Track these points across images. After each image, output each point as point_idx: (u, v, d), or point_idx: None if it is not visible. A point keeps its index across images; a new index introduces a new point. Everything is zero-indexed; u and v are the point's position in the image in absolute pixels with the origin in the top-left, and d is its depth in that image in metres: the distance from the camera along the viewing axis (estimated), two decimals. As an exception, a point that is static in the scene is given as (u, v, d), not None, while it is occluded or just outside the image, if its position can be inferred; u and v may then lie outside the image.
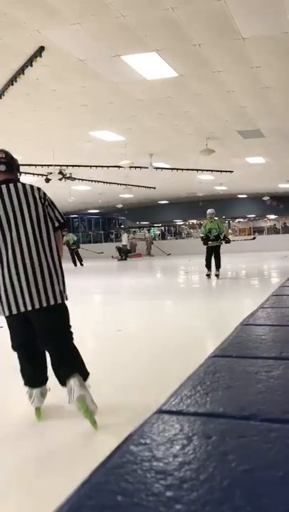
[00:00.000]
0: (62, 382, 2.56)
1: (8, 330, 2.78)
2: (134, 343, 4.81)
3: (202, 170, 16.04)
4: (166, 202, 29.10)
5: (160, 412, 0.83)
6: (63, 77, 6.92)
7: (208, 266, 10.61)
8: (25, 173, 14.88)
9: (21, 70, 6.36)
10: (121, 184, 18.08)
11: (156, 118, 9.52)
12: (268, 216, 33.14)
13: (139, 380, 3.49)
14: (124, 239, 23.08)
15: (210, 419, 0.80)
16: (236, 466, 0.64)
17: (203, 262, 10.77)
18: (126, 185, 18.10)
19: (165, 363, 3.89)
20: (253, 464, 0.64)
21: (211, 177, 18.25)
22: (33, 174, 14.99)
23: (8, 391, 3.47)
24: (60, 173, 14.03)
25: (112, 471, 0.63)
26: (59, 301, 2.58)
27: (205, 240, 10.65)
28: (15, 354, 2.86)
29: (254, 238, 16.78)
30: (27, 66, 6.23)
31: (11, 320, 2.65)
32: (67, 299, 2.67)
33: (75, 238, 18.90)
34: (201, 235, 10.90)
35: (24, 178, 16.02)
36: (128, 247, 23.46)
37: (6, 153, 2.92)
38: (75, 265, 18.08)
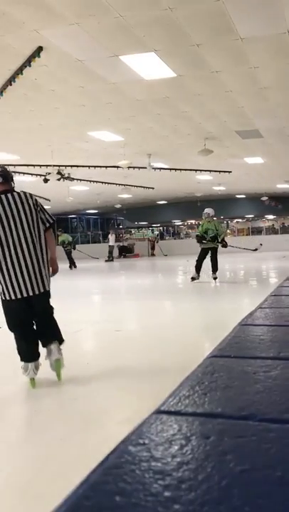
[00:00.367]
0: (45, 344, 3.42)
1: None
2: (133, 344, 4.81)
3: (200, 170, 16.04)
4: (165, 202, 29.10)
5: (158, 412, 0.83)
6: (62, 78, 6.91)
7: (198, 268, 9.67)
8: (24, 173, 14.87)
9: (20, 70, 6.35)
10: (119, 184, 18.07)
11: (155, 118, 9.52)
12: (266, 216, 33.17)
13: (138, 380, 3.49)
14: (112, 240, 22.49)
15: (208, 420, 0.80)
16: (234, 466, 0.64)
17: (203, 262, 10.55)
18: (124, 185, 18.10)
19: (163, 364, 3.89)
20: (251, 464, 0.64)
21: (210, 177, 18.25)
22: (32, 174, 14.98)
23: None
24: (59, 173, 14.02)
25: (110, 471, 0.63)
26: (47, 288, 3.40)
27: (200, 238, 9.87)
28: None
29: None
30: (25, 66, 6.22)
31: (12, 304, 3.29)
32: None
33: (70, 239, 18.21)
34: (197, 233, 10.18)
35: (23, 179, 16.07)
36: (113, 249, 22.77)
37: (2, 166, 3.49)
38: (70, 268, 17.40)
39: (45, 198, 21.76)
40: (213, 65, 6.59)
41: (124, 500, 0.56)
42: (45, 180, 14.19)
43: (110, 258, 22.17)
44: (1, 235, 3.20)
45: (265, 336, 1.46)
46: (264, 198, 26.16)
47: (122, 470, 0.63)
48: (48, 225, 3.41)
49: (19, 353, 3.41)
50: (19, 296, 3.25)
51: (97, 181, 17.83)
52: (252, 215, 33.00)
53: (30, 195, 3.39)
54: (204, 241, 9.76)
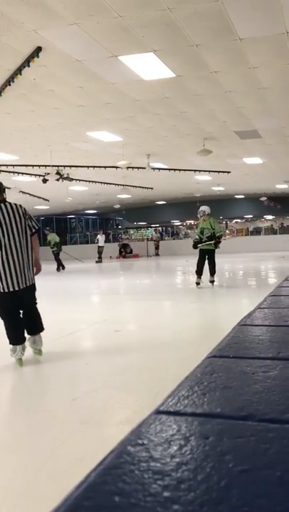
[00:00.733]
0: (31, 334, 4.15)
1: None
2: (133, 344, 4.81)
3: (199, 170, 16.05)
4: (164, 202, 29.11)
5: (157, 412, 0.83)
6: (60, 78, 6.91)
7: (199, 272, 9.13)
8: (23, 173, 14.86)
9: (18, 71, 6.35)
10: (118, 185, 18.08)
11: (154, 118, 9.53)
12: (265, 217, 33.21)
13: (137, 380, 3.49)
14: (101, 240, 22.21)
15: (207, 420, 0.80)
16: (234, 467, 0.64)
17: None
18: (123, 185, 18.10)
19: (162, 364, 3.89)
20: (250, 464, 0.64)
21: (209, 177, 18.27)
22: (31, 175, 14.97)
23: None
24: (58, 173, 14.02)
25: (109, 472, 0.63)
26: (33, 281, 4.17)
27: (196, 243, 9.33)
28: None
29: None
30: (24, 66, 6.22)
31: (3, 296, 3.93)
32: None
33: (57, 239, 17.17)
34: (196, 236, 9.55)
35: (22, 179, 16.06)
36: (103, 249, 22.39)
37: None
38: (58, 270, 16.83)
39: (44, 199, 21.79)
40: (212, 65, 6.60)
41: (124, 500, 0.56)
42: (44, 181, 14.19)
43: (99, 259, 21.89)
44: (0, 238, 3.87)
45: (264, 336, 1.46)
46: (263, 199, 26.20)
47: (121, 470, 0.63)
48: (34, 230, 4.13)
49: (8, 337, 4.03)
50: (11, 289, 3.92)
51: (96, 181, 17.83)
52: (251, 216, 33.04)
53: (20, 205, 4.08)
54: (199, 245, 9.23)
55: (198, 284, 9.10)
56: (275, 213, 30.78)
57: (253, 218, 34.66)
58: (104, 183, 18.07)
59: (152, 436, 0.74)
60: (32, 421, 2.79)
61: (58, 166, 13.87)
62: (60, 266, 17.09)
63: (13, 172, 14.62)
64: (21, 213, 4.02)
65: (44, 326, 4.24)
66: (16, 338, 4.01)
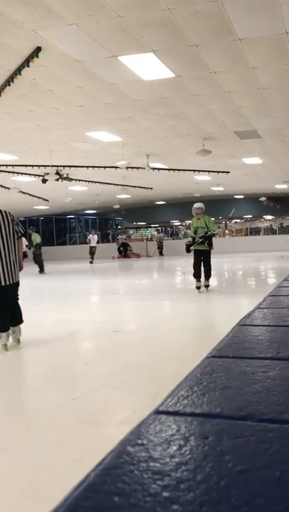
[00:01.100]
0: (13, 325, 4.80)
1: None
2: (132, 344, 4.81)
3: (199, 170, 16.05)
4: (163, 202, 29.12)
5: (157, 412, 0.83)
6: (60, 78, 6.91)
7: (198, 275, 8.57)
8: (23, 173, 14.86)
9: (18, 71, 6.35)
10: (118, 185, 18.08)
11: (153, 119, 9.53)
12: (264, 217, 33.22)
13: (137, 380, 3.49)
14: (94, 240, 21.61)
15: (207, 420, 0.80)
16: (233, 467, 0.64)
17: None
18: (123, 185, 18.11)
19: (162, 364, 3.89)
20: (249, 464, 0.64)
21: (208, 178, 18.27)
22: (30, 175, 14.97)
23: None
24: (57, 173, 14.02)
25: (108, 472, 0.63)
26: (18, 279, 4.79)
27: (188, 246, 8.67)
28: None
29: None
30: (24, 67, 6.22)
31: None
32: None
33: (39, 240, 16.23)
34: (189, 239, 8.82)
35: (21, 179, 16.06)
36: (96, 249, 21.80)
37: None
38: (41, 272, 16.02)
39: (43, 199, 21.80)
40: (211, 65, 6.60)
41: (123, 500, 0.56)
42: (44, 181, 14.19)
43: (91, 260, 21.44)
44: None
45: (263, 336, 1.46)
46: (262, 199, 26.21)
47: (121, 470, 0.63)
48: (20, 234, 4.80)
49: None
50: (2, 283, 4.58)
51: (95, 182, 17.83)
52: (250, 216, 33.04)
53: (9, 212, 4.71)
54: (192, 247, 8.59)
55: (198, 288, 8.57)
56: (275, 213, 30.79)
57: (253, 218, 34.66)
58: (104, 183, 18.07)
59: (152, 436, 0.74)
60: (32, 421, 2.79)
61: (57, 166, 13.87)
62: (41, 269, 16.23)
63: (13, 172, 14.62)
64: (10, 219, 4.68)
65: (23, 319, 4.88)
66: (2, 326, 4.67)
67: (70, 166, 14.33)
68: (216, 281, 9.98)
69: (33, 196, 20.75)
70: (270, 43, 5.91)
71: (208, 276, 8.64)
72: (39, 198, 21.35)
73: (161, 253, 26.28)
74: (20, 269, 4.86)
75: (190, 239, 8.79)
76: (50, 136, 10.73)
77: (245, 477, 0.61)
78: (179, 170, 15.67)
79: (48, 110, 8.56)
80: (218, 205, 25.99)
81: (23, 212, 28.89)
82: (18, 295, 4.87)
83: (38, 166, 13.71)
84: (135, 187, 19.69)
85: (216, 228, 10.17)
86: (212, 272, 8.79)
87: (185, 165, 15.19)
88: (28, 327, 6.06)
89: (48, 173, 13.75)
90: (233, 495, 0.57)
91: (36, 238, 16.34)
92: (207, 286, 8.65)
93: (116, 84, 7.30)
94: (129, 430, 0.75)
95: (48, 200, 22.48)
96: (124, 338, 5.11)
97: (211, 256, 8.66)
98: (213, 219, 10.18)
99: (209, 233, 8.49)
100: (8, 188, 17.60)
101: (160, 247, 26.57)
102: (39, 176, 14.62)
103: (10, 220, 4.66)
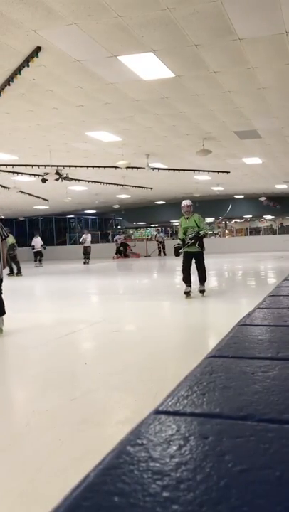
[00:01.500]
0: None
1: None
2: (132, 344, 4.81)
3: (199, 170, 16.05)
4: (163, 202, 29.11)
5: (157, 412, 0.83)
6: (60, 78, 6.91)
7: (187, 279, 7.74)
8: (22, 173, 14.86)
9: (18, 71, 6.35)
10: (118, 184, 18.08)
11: (153, 118, 9.53)
12: (264, 217, 33.23)
13: (137, 380, 3.49)
14: (88, 240, 21.34)
15: (207, 420, 0.80)
16: (233, 467, 0.64)
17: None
18: (123, 185, 18.11)
19: (162, 364, 3.89)
20: (249, 464, 0.64)
21: (208, 177, 18.27)
22: (30, 174, 14.97)
23: None
24: (57, 173, 14.02)
25: (108, 472, 0.63)
26: (2, 276, 5.51)
27: (177, 248, 7.82)
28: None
29: None
30: (23, 66, 6.22)
31: None
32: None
33: (12, 241, 14.97)
34: (178, 241, 7.97)
35: (21, 179, 16.06)
36: (90, 249, 21.53)
37: None
38: (12, 275, 15.24)
39: (43, 198, 21.80)
40: (211, 65, 6.60)
41: (123, 500, 0.56)
42: (44, 181, 14.19)
43: (86, 260, 21.13)
44: None
45: (263, 336, 1.46)
46: (262, 199, 26.21)
47: (121, 470, 0.63)
48: (3, 237, 5.63)
49: None
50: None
51: (95, 181, 17.83)
52: (250, 216, 33.05)
53: None
54: (181, 250, 7.74)
55: (187, 293, 7.70)
56: (275, 213, 30.79)
57: (253, 218, 34.66)
58: (104, 183, 18.07)
59: (152, 436, 0.74)
60: (32, 421, 2.79)
61: (57, 166, 13.87)
62: (18, 269, 15.51)
63: (13, 172, 14.62)
64: None
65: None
66: None
67: (69, 166, 14.33)
68: (216, 281, 9.96)
69: (33, 196, 20.76)
70: (270, 42, 5.91)
71: (202, 279, 7.81)
72: (39, 197, 21.35)
73: (164, 253, 26.23)
74: (4, 267, 5.66)
75: (179, 241, 7.90)
76: (50, 136, 10.73)
77: (245, 477, 0.61)
78: (178, 170, 15.67)
79: (47, 110, 8.55)
80: (218, 205, 25.99)
81: (23, 212, 28.89)
82: (1, 290, 5.56)
83: (38, 165, 13.72)
84: (135, 187, 19.69)
85: (208, 227, 9.24)
86: (206, 274, 7.96)
87: (185, 165, 15.19)
88: (28, 327, 6.06)
89: (47, 173, 13.76)
90: (233, 495, 0.57)
91: (10, 240, 15.35)
92: (203, 291, 7.79)
93: (116, 84, 7.30)
94: (129, 430, 0.75)
95: (47, 200, 22.49)
96: (124, 338, 5.11)
97: (204, 257, 7.91)
98: (213, 219, 9.89)
99: (202, 233, 7.68)
100: (8, 188, 17.61)
101: (163, 247, 26.52)
102: (39, 175, 14.62)
103: None
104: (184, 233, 7.74)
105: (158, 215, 31.53)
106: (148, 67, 6.55)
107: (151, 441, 0.72)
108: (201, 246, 7.71)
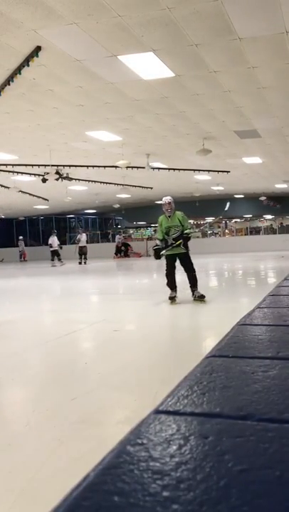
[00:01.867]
0: None
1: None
2: (132, 344, 4.81)
3: (199, 170, 16.05)
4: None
5: (157, 412, 0.83)
6: (60, 77, 6.91)
7: (173, 284, 6.95)
8: (22, 173, 14.86)
9: (18, 70, 6.35)
10: (118, 184, 18.08)
11: (153, 118, 9.53)
12: (264, 216, 33.20)
13: (137, 380, 3.49)
14: (83, 240, 20.78)
15: (207, 419, 0.80)
16: (233, 466, 0.64)
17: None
18: (123, 185, 18.11)
19: (162, 363, 3.89)
20: (249, 464, 0.64)
21: (208, 177, 18.27)
22: (30, 174, 14.97)
23: None
24: (57, 173, 14.02)
25: (108, 472, 0.63)
26: None
27: (157, 250, 6.95)
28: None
29: None
30: (23, 66, 6.22)
31: None
32: None
33: None
34: (157, 242, 7.06)
35: (21, 179, 16.06)
36: (86, 250, 20.96)
37: None
38: None
39: (43, 198, 21.80)
40: (211, 64, 6.60)
41: (123, 500, 0.56)
42: (44, 180, 14.19)
43: (82, 260, 20.48)
44: None
45: (263, 336, 1.46)
46: (262, 198, 26.20)
47: (121, 470, 0.63)
48: None
49: None
50: None
51: (95, 181, 17.83)
52: (250, 215, 33.03)
53: None
54: (163, 252, 6.87)
55: (172, 299, 6.89)
56: (275, 213, 30.78)
57: (253, 218, 34.64)
58: (104, 182, 18.07)
59: (152, 435, 0.74)
60: (31, 420, 2.78)
61: (57, 166, 13.87)
62: None
63: (13, 172, 14.62)
64: None
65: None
66: None
67: (70, 166, 14.33)
68: (216, 281, 9.94)
69: (33, 196, 20.75)
70: (270, 42, 5.91)
71: (194, 283, 6.89)
72: (39, 197, 21.35)
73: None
74: None
75: (158, 242, 7.03)
76: (50, 136, 10.73)
77: (245, 477, 0.61)
78: (179, 169, 15.67)
79: (47, 110, 8.55)
80: (218, 205, 25.97)
81: (23, 211, 28.90)
82: None
83: (38, 165, 13.72)
84: (135, 186, 19.68)
85: (193, 228, 8.00)
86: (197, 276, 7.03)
87: (185, 164, 15.19)
88: (29, 327, 6.06)
89: (48, 173, 13.76)
90: (233, 494, 0.57)
91: None
92: (201, 297, 6.81)
93: (116, 84, 7.30)
94: (129, 430, 0.75)
95: (48, 200, 22.49)
96: (124, 337, 5.11)
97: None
98: (212, 218, 9.62)
99: (186, 232, 6.79)
100: (8, 188, 17.61)
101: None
102: (39, 175, 14.63)
103: None
104: (166, 233, 6.85)
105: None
106: (148, 66, 6.55)
107: (151, 440, 0.72)
108: (186, 247, 6.85)
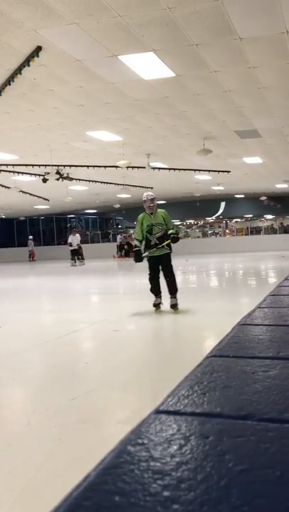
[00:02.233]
0: None
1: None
2: (132, 344, 4.81)
3: (199, 170, 16.05)
4: (164, 202, 29.11)
5: (157, 412, 0.83)
6: (60, 77, 6.91)
7: (156, 289, 6.37)
8: (23, 173, 14.86)
9: (18, 70, 6.35)
10: (118, 184, 18.08)
11: (154, 118, 9.52)
12: (265, 216, 33.21)
13: (137, 380, 3.49)
14: (76, 240, 20.15)
15: (207, 419, 0.80)
16: (233, 466, 0.64)
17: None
18: (123, 185, 18.11)
19: (162, 363, 3.89)
20: (250, 464, 0.64)
21: (209, 177, 18.27)
22: (31, 174, 14.97)
23: None
24: (58, 173, 14.02)
25: (109, 471, 0.63)
26: None
27: (138, 252, 6.32)
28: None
29: None
30: (24, 66, 6.22)
31: None
32: None
33: None
34: (136, 243, 6.43)
35: (21, 178, 16.07)
36: (82, 250, 20.33)
37: None
38: None
39: (44, 198, 21.81)
40: (212, 64, 6.59)
41: (123, 500, 0.56)
42: (44, 180, 14.20)
43: (77, 261, 19.88)
44: None
45: (263, 336, 1.46)
46: (263, 198, 26.20)
47: (121, 470, 0.63)
48: None
49: None
50: None
51: (96, 181, 17.83)
52: (251, 215, 33.04)
53: None
54: (145, 253, 6.27)
55: (156, 306, 6.38)
56: (275, 213, 30.78)
57: (253, 218, 34.65)
58: (104, 182, 18.07)
59: (152, 435, 0.74)
60: (32, 420, 2.79)
61: (57, 166, 13.87)
62: None
63: (13, 172, 14.62)
64: None
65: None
66: None
67: (70, 166, 14.33)
68: (217, 281, 9.94)
69: (34, 196, 20.76)
70: (271, 42, 5.90)
71: (173, 290, 6.27)
72: (39, 197, 21.35)
73: None
74: None
75: (136, 243, 6.42)
76: (51, 136, 10.73)
77: (246, 477, 0.61)
78: (179, 169, 15.67)
79: (48, 110, 8.55)
80: (218, 205, 25.97)
81: (23, 211, 28.90)
82: None
83: (39, 165, 13.72)
84: (135, 186, 19.68)
85: (175, 226, 7.33)
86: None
87: (185, 164, 15.18)
88: (28, 327, 6.07)
89: (48, 173, 13.76)
90: (233, 494, 0.57)
91: None
92: (175, 305, 6.23)
93: (116, 84, 7.30)
94: (130, 430, 0.75)
95: (48, 200, 22.49)
96: (124, 337, 5.11)
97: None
98: (214, 217, 9.47)
99: (173, 232, 6.28)
100: (9, 188, 17.61)
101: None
102: (39, 175, 14.63)
103: None
104: (149, 232, 6.23)
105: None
106: (148, 66, 6.54)
107: (151, 440, 0.72)
108: (170, 246, 6.28)
